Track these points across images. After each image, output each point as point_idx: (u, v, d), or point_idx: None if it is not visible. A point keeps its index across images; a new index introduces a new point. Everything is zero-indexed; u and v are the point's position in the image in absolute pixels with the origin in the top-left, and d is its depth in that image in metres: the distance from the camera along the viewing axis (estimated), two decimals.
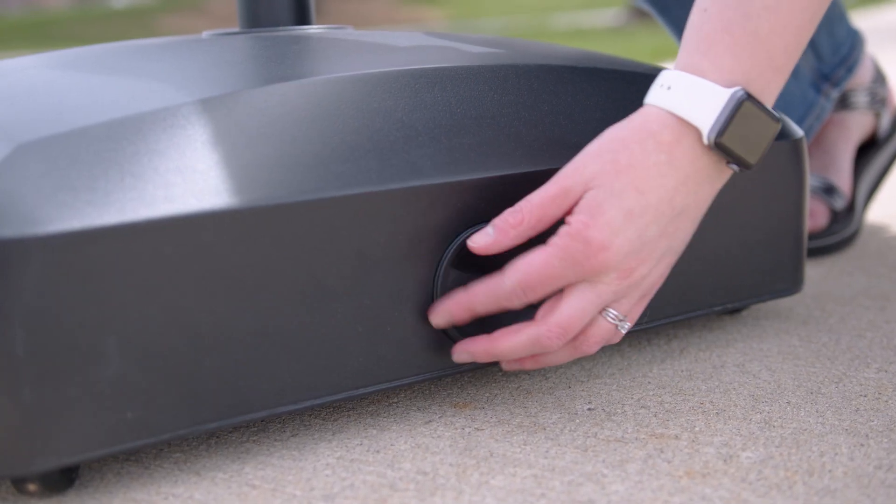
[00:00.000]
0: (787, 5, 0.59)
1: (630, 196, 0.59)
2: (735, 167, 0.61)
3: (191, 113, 0.58)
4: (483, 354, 0.63)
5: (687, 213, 0.61)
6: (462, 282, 0.63)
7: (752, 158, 0.61)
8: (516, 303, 0.61)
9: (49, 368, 0.52)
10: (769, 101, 0.61)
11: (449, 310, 0.62)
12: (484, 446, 0.62)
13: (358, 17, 9.63)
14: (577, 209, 0.60)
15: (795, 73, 1.05)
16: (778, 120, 0.61)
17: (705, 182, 0.61)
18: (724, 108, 0.59)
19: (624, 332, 0.63)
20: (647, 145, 0.59)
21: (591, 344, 0.63)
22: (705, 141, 0.59)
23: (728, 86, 0.59)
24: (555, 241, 0.59)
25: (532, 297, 0.60)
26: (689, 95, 0.59)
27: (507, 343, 0.62)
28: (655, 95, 0.61)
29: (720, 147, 0.59)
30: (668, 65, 0.63)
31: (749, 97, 0.59)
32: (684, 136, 0.60)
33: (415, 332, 0.63)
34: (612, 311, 0.62)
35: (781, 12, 0.59)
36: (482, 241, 0.61)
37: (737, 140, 0.60)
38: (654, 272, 0.62)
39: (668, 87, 0.60)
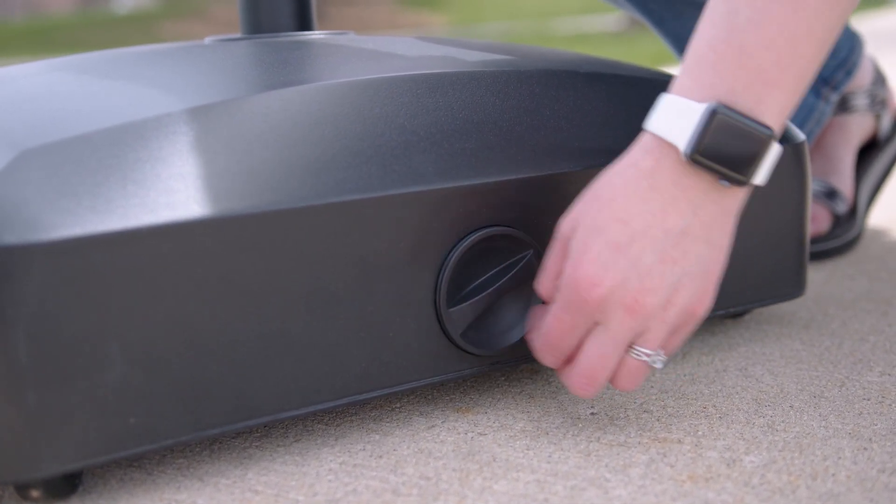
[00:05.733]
0: (774, 19, 0.57)
1: (613, 228, 0.58)
2: (726, 183, 0.58)
3: (193, 119, 0.58)
4: None
5: (691, 234, 0.59)
6: (466, 286, 0.63)
7: (744, 174, 0.58)
8: (550, 361, 0.62)
9: (52, 374, 0.52)
10: (767, 115, 0.58)
11: None
12: (487, 451, 0.62)
13: (359, 23, 9.64)
14: (567, 255, 0.60)
15: None
16: (769, 135, 0.58)
17: (704, 202, 0.59)
18: (698, 123, 0.57)
19: (660, 366, 0.61)
20: (628, 175, 0.59)
21: (625, 383, 0.61)
22: (683, 158, 0.58)
23: (707, 101, 0.57)
24: (557, 294, 0.60)
25: (561, 354, 0.61)
26: (667, 114, 0.58)
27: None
28: (648, 118, 0.60)
29: (699, 163, 0.57)
30: (670, 70, 0.63)
31: (729, 110, 0.57)
32: (665, 156, 0.58)
33: (417, 337, 0.63)
34: (639, 349, 0.60)
35: (767, 26, 0.57)
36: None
37: (718, 155, 0.57)
38: (674, 300, 0.59)
39: (656, 109, 0.59)
